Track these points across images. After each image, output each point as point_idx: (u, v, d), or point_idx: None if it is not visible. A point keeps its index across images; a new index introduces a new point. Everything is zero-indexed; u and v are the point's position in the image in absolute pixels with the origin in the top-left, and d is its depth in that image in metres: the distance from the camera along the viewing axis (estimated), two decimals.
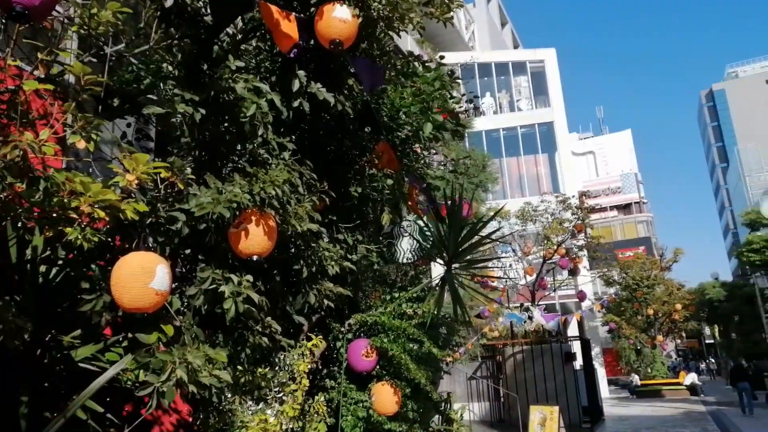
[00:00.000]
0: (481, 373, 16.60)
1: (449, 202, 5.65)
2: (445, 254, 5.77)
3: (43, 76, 3.41)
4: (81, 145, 3.12)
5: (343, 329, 5.58)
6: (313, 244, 4.29)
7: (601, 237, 22.71)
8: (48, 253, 3.02)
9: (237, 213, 3.47)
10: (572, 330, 20.21)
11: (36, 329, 3.19)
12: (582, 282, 24.41)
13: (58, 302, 3.24)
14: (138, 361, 2.90)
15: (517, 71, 33.94)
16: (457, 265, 5.76)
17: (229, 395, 3.90)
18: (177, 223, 3.28)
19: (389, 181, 5.33)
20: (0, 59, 3.06)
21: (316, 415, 4.59)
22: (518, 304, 18.25)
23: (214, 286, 3.30)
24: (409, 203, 5.72)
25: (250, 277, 3.38)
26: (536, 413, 10.48)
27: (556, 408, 10.32)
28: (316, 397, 4.65)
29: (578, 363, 16.00)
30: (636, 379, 28.39)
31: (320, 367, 5.82)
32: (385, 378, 5.32)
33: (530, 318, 17.46)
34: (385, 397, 5.19)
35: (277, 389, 4.10)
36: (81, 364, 3.20)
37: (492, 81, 34.10)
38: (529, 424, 10.41)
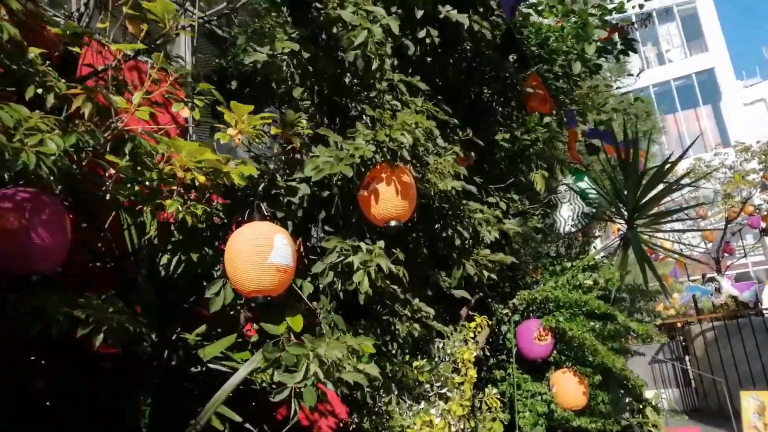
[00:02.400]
0: (664, 355, 14.61)
1: (623, 145, 4.59)
2: (624, 210, 4.71)
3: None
4: (185, 113, 2.69)
5: (506, 310, 4.76)
6: (461, 207, 3.54)
7: None
8: (154, 236, 2.61)
9: (363, 171, 2.83)
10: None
11: (161, 328, 2.81)
12: None
13: (180, 296, 2.83)
14: (267, 358, 2.36)
15: (664, 19, 30.24)
16: (640, 222, 4.67)
17: (383, 394, 3.29)
18: (297, 194, 2.72)
19: (542, 131, 4.41)
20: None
21: (488, 413, 3.84)
22: (698, 277, 15.89)
23: (342, 258, 2.69)
24: (568, 152, 4.72)
25: (381, 243, 2.73)
26: (749, 400, 8.71)
27: None
28: (487, 390, 3.89)
29: None
30: None
31: (486, 356, 5.05)
32: (565, 365, 4.40)
33: (717, 290, 15.09)
34: (568, 387, 4.27)
35: (438, 384, 3.42)
36: (211, 365, 2.76)
37: (634, 35, 30.78)
38: (741, 412, 8.68)
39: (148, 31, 2.33)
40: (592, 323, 4.34)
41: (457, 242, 3.47)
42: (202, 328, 2.82)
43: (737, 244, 16.28)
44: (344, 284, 2.77)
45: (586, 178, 7.24)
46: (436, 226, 3.48)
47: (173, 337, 2.80)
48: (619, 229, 6.05)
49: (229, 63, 4.20)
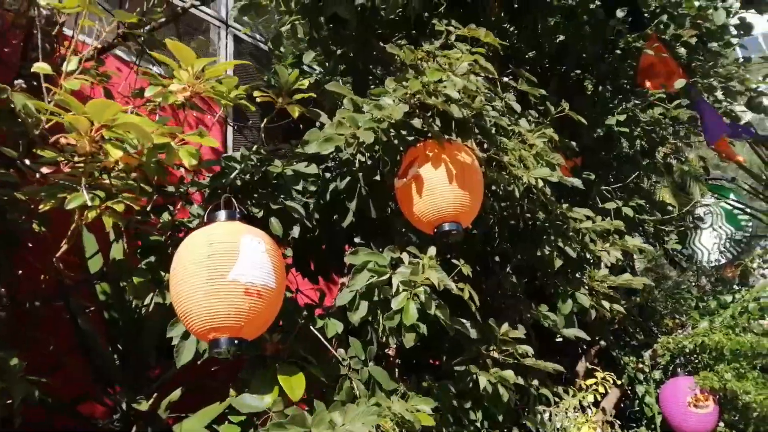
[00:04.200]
0: None
1: None
2: None
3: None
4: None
5: (642, 364, 3.47)
6: (558, 212, 2.48)
7: None
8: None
9: (401, 151, 1.91)
10: None
11: (129, 393, 2.00)
12: None
13: (154, 342, 2.02)
14: None
15: None
16: None
17: None
18: (299, 182, 1.85)
19: (673, 113, 3.24)
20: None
21: None
22: None
23: (375, 278, 1.75)
24: (720, 148, 3.47)
25: (432, 250, 1.76)
26: None
27: None
28: None
29: None
30: None
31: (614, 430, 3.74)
32: None
33: None
34: None
35: None
36: None
37: None
38: None
39: None
40: None
41: (558, 264, 2.39)
42: (176, 393, 1.97)
43: None
44: (385, 318, 1.81)
45: (732, 195, 5.77)
46: (522, 235, 2.45)
47: (146, 407, 1.97)
48: None
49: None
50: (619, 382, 3.54)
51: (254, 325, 1.46)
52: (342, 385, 1.74)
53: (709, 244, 5.67)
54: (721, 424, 3.12)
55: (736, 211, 5.43)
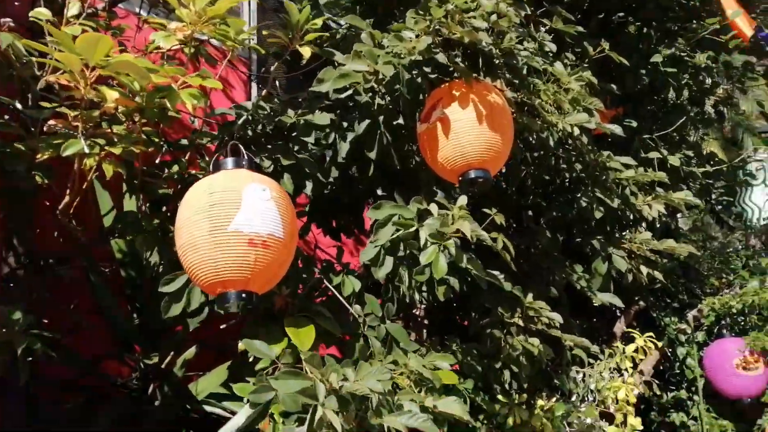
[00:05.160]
0: None
1: None
2: None
3: None
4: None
5: (683, 325, 3.29)
6: (597, 161, 2.29)
7: None
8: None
9: (424, 91, 1.76)
10: None
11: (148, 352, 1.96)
12: None
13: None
14: (254, 402, 1.36)
15: None
16: None
17: None
18: (311, 133, 1.73)
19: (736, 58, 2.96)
20: None
21: None
22: None
23: (401, 231, 1.63)
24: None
25: (463, 200, 1.63)
26: None
27: None
28: None
29: None
30: None
31: (654, 393, 3.59)
32: None
33: None
34: None
35: None
36: (208, 408, 1.83)
37: None
38: None
39: None
40: None
41: (597, 215, 2.22)
42: (190, 351, 1.91)
43: None
44: (413, 274, 1.70)
45: None
46: (558, 189, 2.28)
47: (162, 365, 1.93)
48: None
49: None
50: (659, 345, 3.39)
51: (262, 278, 1.37)
52: (356, 342, 1.65)
53: (761, 201, 5.33)
54: None
55: None
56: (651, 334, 2.33)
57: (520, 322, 1.99)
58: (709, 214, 5.56)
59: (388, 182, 1.97)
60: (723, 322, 3.19)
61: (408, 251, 1.70)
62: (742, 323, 3.23)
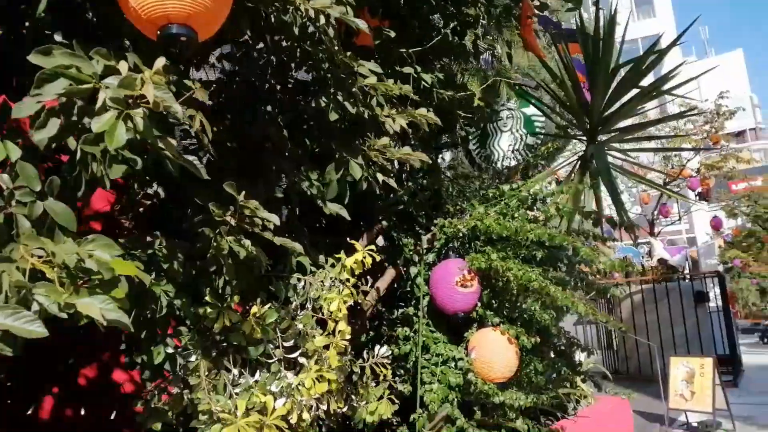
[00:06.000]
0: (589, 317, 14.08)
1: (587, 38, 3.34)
2: (586, 120, 3.49)
3: None
4: None
5: (419, 246, 3.49)
6: (342, 60, 2.15)
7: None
8: None
9: None
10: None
11: None
12: (698, 216, 20.80)
13: None
14: None
15: None
16: (606, 136, 3.47)
17: (192, 359, 1.95)
18: None
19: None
20: None
21: (373, 386, 2.59)
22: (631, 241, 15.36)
23: (74, 87, 1.28)
24: (523, 33, 3.38)
25: (161, 62, 1.34)
26: (679, 366, 8.05)
27: (710, 360, 7.79)
28: (373, 352, 2.61)
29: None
30: None
31: (387, 308, 3.80)
32: (491, 322, 3.21)
33: (649, 253, 14.66)
34: (493, 352, 3.09)
35: (290, 344, 2.11)
36: None
37: None
38: (669, 379, 8.02)
39: None
40: (529, 268, 3.13)
41: (332, 117, 2.10)
42: None
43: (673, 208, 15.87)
44: (81, 143, 1.36)
45: (532, 108, 6.03)
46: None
47: None
48: None
49: None
50: (396, 263, 3.54)
51: None
52: None
53: (506, 147, 5.93)
54: (480, 305, 3.27)
55: (533, 117, 5.68)
56: (372, 247, 2.33)
57: (233, 221, 1.79)
58: (466, 155, 6.04)
59: (69, 28, 1.56)
60: (451, 244, 3.44)
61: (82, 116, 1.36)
62: (467, 246, 3.53)
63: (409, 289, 3.58)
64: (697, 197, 14.68)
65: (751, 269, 24.98)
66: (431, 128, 4.14)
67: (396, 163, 2.38)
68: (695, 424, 7.66)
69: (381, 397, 2.54)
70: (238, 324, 2.00)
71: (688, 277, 13.39)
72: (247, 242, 1.83)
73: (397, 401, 2.87)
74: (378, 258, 2.30)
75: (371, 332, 3.77)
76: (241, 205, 1.78)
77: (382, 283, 3.55)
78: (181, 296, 1.83)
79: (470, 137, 6.05)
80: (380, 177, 2.29)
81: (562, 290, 2.75)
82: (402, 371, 3.41)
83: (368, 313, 3.50)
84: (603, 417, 5.33)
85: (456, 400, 3.17)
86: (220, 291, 1.98)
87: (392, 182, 2.35)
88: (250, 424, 1.83)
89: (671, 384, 8.12)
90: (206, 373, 1.91)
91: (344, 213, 2.27)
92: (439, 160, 5.88)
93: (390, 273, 3.56)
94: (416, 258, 3.50)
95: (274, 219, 1.84)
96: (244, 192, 1.76)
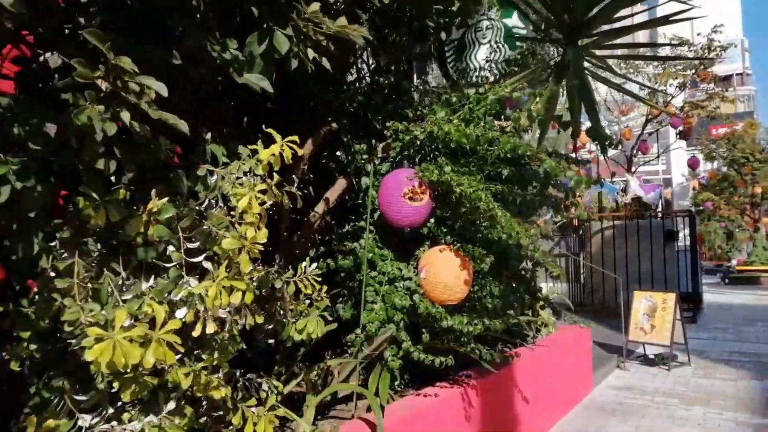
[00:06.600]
0: (559, 250, 14.09)
1: None
2: (566, 17, 3.06)
3: None
4: None
5: (373, 155, 3.12)
6: None
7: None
8: None
9: None
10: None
11: None
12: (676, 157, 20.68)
13: None
14: None
15: None
16: (586, 40, 3.06)
17: (65, 257, 1.60)
18: None
19: None
20: None
21: (304, 304, 2.30)
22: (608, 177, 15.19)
23: None
24: None
25: None
26: (642, 300, 8.04)
27: (672, 295, 7.78)
28: (301, 267, 2.29)
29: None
30: (733, 263, 25.21)
31: (331, 222, 3.47)
32: (445, 240, 2.92)
33: (624, 189, 14.55)
34: (444, 272, 2.81)
35: (195, 247, 1.78)
36: None
37: None
38: (631, 312, 8.03)
39: None
40: (493, 186, 2.81)
41: None
42: None
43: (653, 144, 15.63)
44: None
45: (516, 14, 5.54)
46: None
47: None
48: None
49: None
50: (346, 179, 3.20)
51: None
52: None
53: (482, 60, 5.47)
54: (433, 221, 2.97)
55: (515, 29, 5.21)
56: (293, 138, 1.94)
57: (104, 86, 1.40)
58: (440, 66, 5.59)
59: None
60: (407, 153, 3.08)
61: None
62: (428, 159, 3.18)
63: (360, 201, 3.25)
64: (678, 136, 14.42)
65: (721, 212, 25.28)
66: (403, 34, 3.69)
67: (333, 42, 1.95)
68: (652, 356, 7.74)
69: (313, 313, 2.24)
70: (126, 219, 1.65)
71: (660, 215, 13.36)
72: (127, 115, 1.44)
73: (333, 321, 2.61)
74: (300, 152, 1.93)
75: (322, 247, 3.47)
76: (113, 64, 1.38)
77: (332, 194, 3.21)
78: (37, 180, 1.46)
79: (446, 48, 5.59)
80: (311, 54, 1.88)
81: (512, 217, 2.42)
82: (347, 292, 3.14)
83: (316, 225, 3.18)
84: (562, 346, 5.24)
85: (401, 322, 2.93)
86: (110, 179, 1.62)
87: (327, 63, 1.95)
88: (134, 339, 1.52)
89: (632, 317, 8.14)
90: (81, 276, 1.57)
91: (266, 85, 1.86)
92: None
93: (341, 183, 3.22)
94: (369, 167, 3.14)
95: (158, 87, 1.45)
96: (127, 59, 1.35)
